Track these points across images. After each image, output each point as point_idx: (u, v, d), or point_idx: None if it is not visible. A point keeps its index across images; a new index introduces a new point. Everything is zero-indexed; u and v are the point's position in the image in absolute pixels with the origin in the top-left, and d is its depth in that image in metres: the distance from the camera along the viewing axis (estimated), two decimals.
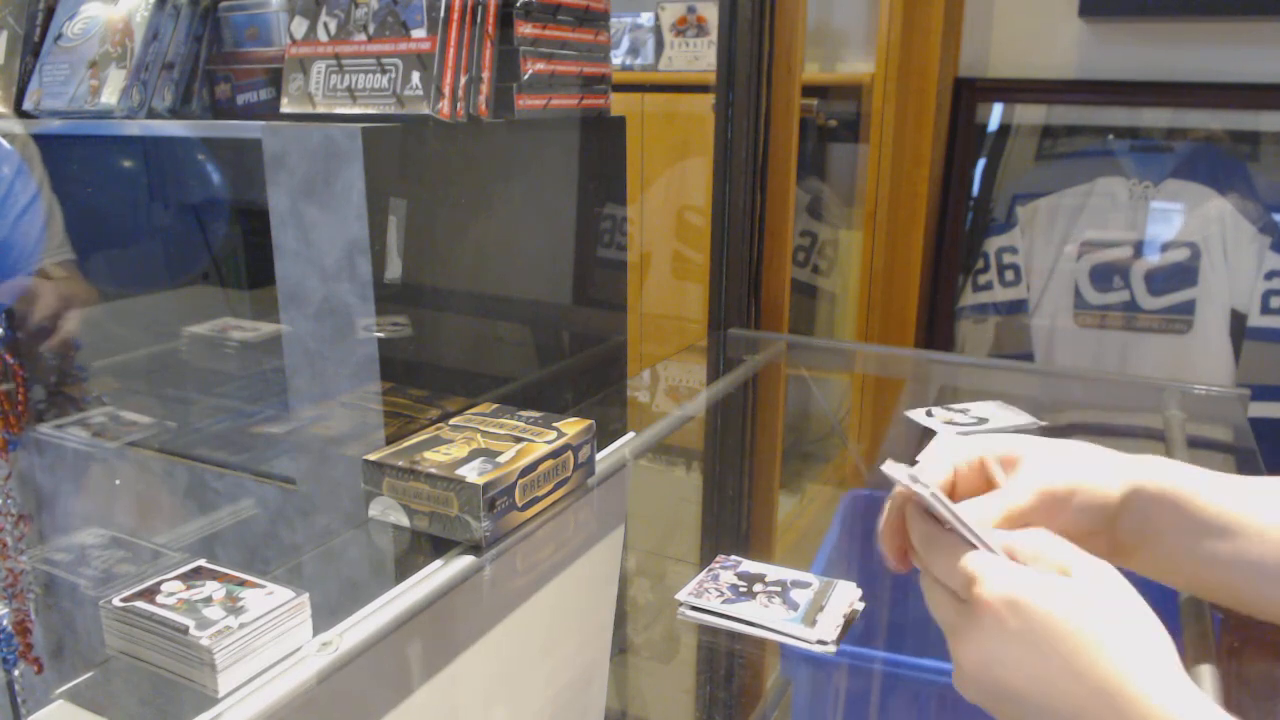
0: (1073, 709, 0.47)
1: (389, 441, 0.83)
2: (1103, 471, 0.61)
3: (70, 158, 1.10)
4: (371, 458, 0.78)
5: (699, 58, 2.20)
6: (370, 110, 0.86)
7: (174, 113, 1.01)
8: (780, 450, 1.55)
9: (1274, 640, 0.69)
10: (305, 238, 0.84)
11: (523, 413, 0.89)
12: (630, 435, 1.03)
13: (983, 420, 1.22)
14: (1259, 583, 0.60)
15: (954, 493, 0.62)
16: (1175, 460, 0.62)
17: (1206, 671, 0.67)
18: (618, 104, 1.10)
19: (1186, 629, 0.72)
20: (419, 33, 0.84)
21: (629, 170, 1.19)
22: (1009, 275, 2.07)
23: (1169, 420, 1.18)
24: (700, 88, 2.14)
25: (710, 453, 1.40)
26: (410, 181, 0.84)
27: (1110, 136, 2.02)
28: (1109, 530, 0.62)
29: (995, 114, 2.12)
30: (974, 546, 0.52)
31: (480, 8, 0.86)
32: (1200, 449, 1.14)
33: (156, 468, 1.05)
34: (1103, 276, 1.99)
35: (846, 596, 0.83)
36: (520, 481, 0.77)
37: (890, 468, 0.57)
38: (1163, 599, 0.69)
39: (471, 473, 0.74)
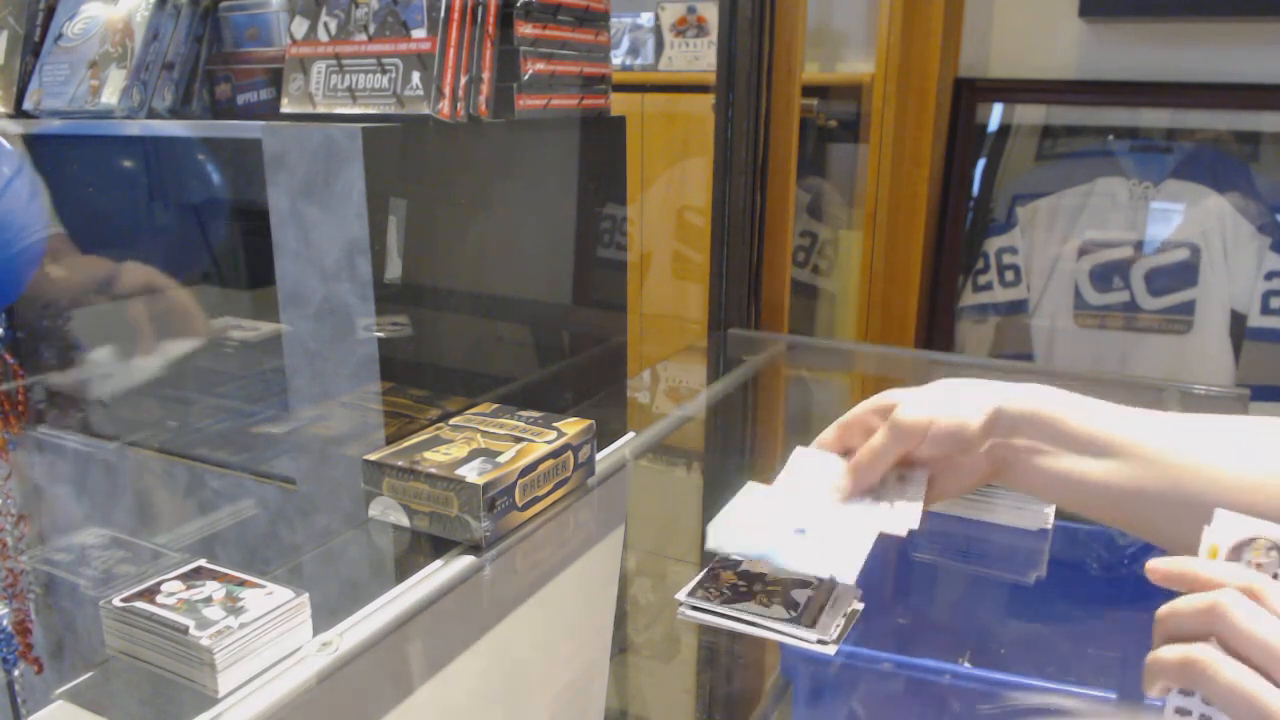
0: None
1: (389, 441, 0.83)
2: (964, 403, 0.68)
3: (70, 158, 1.10)
4: (371, 458, 0.78)
5: (699, 58, 2.20)
6: (370, 110, 0.86)
7: (174, 113, 1.01)
8: (780, 450, 1.55)
9: None
10: (305, 238, 0.84)
11: (523, 413, 0.89)
12: (630, 435, 1.03)
13: None
14: (1136, 505, 0.62)
15: (844, 447, 0.76)
16: (1058, 390, 0.68)
17: None
18: (618, 104, 1.10)
19: None
20: (419, 33, 0.84)
21: (629, 170, 1.19)
22: (1009, 275, 2.07)
23: None
24: (700, 88, 2.14)
25: (710, 453, 1.40)
26: (410, 181, 0.84)
27: (1110, 137, 2.02)
28: (973, 453, 0.69)
29: (995, 114, 2.12)
30: None
31: (480, 8, 0.86)
32: None
33: (156, 468, 1.05)
34: (1103, 277, 1.99)
35: (846, 596, 0.83)
36: (520, 481, 0.77)
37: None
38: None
39: (471, 473, 0.74)
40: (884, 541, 0.71)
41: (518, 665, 0.86)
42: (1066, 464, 0.64)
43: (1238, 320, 1.90)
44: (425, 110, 0.84)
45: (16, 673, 1.07)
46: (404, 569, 0.72)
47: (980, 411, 0.66)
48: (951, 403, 0.68)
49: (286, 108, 0.90)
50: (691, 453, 1.41)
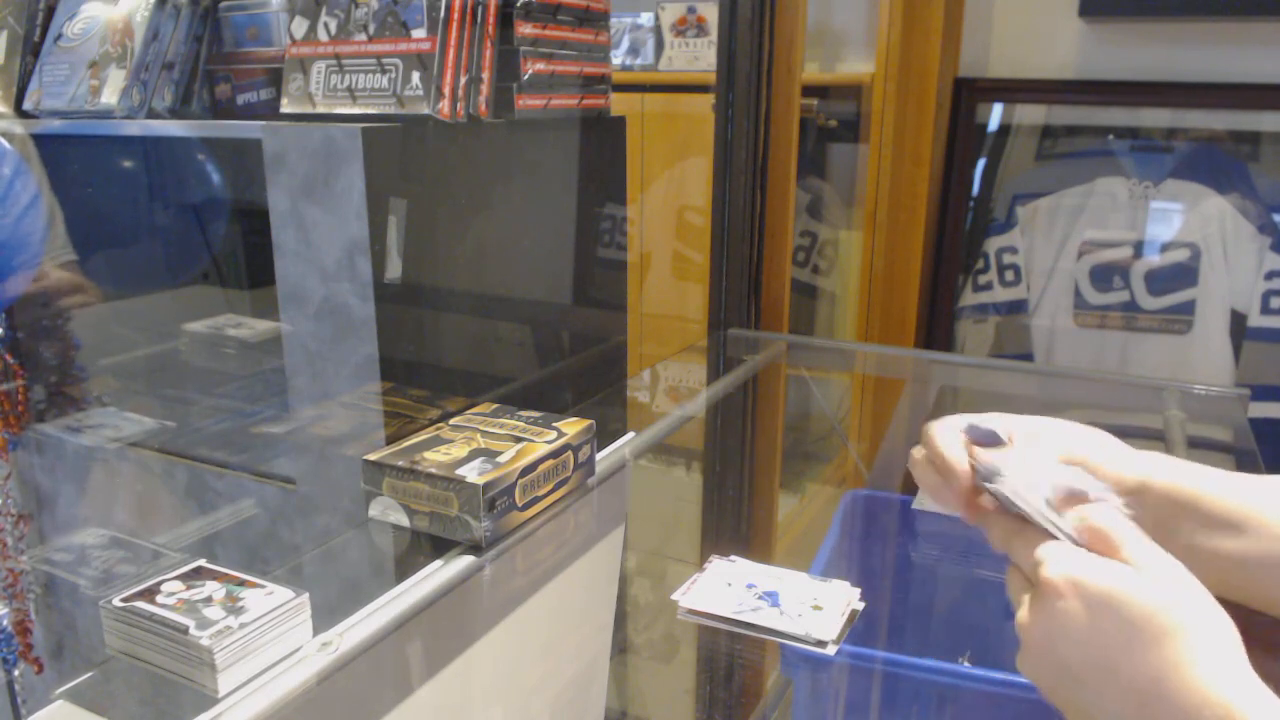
0: (1126, 690, 0.47)
1: (389, 441, 0.83)
2: (1117, 460, 0.62)
3: (70, 158, 1.10)
4: (371, 458, 0.78)
5: (699, 58, 2.20)
6: (370, 110, 0.86)
7: (174, 113, 1.01)
8: (780, 450, 1.55)
9: (1274, 636, 0.69)
10: (305, 238, 0.84)
11: (523, 413, 0.89)
12: (630, 435, 1.03)
13: None
14: (1266, 579, 0.60)
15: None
16: (1177, 458, 0.62)
17: None
18: (618, 104, 1.10)
19: None
20: (419, 33, 0.84)
21: (629, 170, 1.19)
22: (1009, 275, 2.07)
23: (1169, 420, 1.18)
24: (700, 88, 2.13)
25: (710, 453, 1.40)
26: (410, 181, 0.84)
27: (1110, 136, 2.02)
28: None
29: (995, 114, 2.12)
30: (1051, 536, 0.54)
31: (480, 8, 0.86)
32: (1200, 449, 1.14)
33: (156, 468, 1.05)
34: (1103, 276, 1.99)
35: (846, 596, 0.83)
36: (520, 481, 0.77)
37: (980, 456, 0.59)
38: None
39: (471, 473, 0.74)
40: (884, 541, 0.71)
41: (518, 665, 0.86)
42: (1206, 544, 0.61)
43: (1238, 320, 1.90)
44: (425, 110, 0.84)
45: (16, 673, 1.07)
46: (404, 569, 0.72)
47: (1132, 476, 0.62)
48: (1106, 454, 0.62)
49: (286, 108, 0.90)
50: (691, 453, 1.41)
